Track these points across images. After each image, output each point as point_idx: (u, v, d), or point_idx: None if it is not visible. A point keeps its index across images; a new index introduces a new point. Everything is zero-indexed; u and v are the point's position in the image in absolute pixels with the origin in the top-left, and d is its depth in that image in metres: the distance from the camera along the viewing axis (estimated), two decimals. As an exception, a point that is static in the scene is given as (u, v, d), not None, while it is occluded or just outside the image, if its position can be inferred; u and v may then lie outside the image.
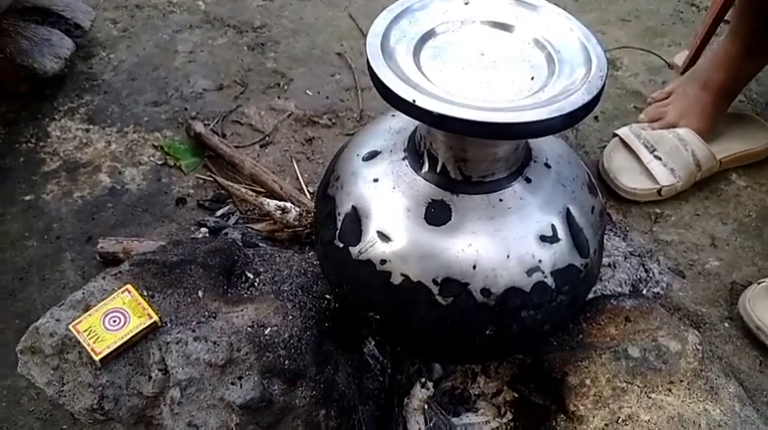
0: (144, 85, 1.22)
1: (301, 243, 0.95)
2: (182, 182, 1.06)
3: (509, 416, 0.76)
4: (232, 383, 0.61)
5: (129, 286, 0.63)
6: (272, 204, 0.94)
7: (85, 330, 0.60)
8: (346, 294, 0.65)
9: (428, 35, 0.60)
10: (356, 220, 0.62)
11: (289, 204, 0.94)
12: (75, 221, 1.00)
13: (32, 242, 0.97)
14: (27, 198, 1.03)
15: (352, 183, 0.64)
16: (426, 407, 0.75)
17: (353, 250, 0.61)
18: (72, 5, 1.29)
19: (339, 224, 0.63)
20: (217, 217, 1.00)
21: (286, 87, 1.24)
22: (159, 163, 1.09)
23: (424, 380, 0.75)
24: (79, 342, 0.61)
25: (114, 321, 0.61)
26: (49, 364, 0.63)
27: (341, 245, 0.62)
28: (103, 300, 0.63)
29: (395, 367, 0.78)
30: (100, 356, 0.59)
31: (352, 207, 0.63)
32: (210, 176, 1.05)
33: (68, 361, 0.62)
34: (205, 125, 1.12)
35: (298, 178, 1.07)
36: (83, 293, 0.65)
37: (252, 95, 1.22)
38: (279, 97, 1.22)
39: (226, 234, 0.94)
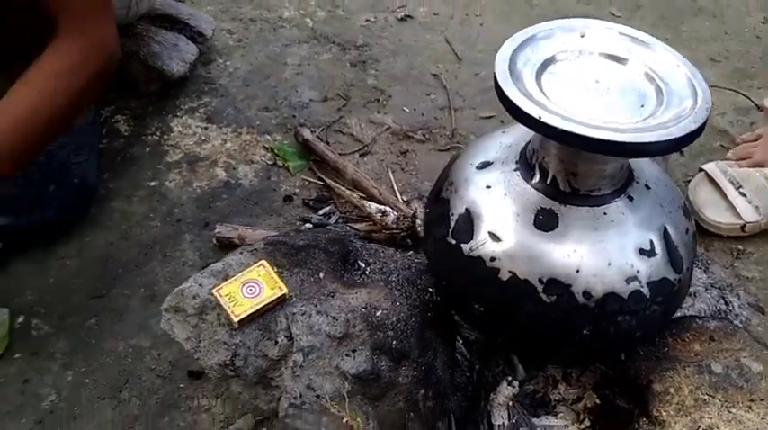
0: (256, 92, 1.34)
1: (396, 245, 1.02)
2: (289, 181, 1.16)
3: (587, 422, 0.81)
4: (347, 355, 0.68)
5: (263, 261, 0.72)
6: (373, 207, 1.02)
7: (226, 295, 0.69)
8: (454, 286, 0.72)
9: (549, 61, 0.67)
10: (469, 221, 0.69)
11: (388, 208, 1.02)
12: (195, 208, 1.11)
13: (156, 223, 1.08)
14: (152, 184, 1.15)
15: (465, 188, 0.72)
16: (510, 403, 0.80)
17: (465, 247, 0.68)
18: (195, 15, 1.42)
19: (452, 223, 0.70)
20: (319, 215, 1.09)
21: (385, 103, 1.33)
22: (269, 163, 1.19)
23: (510, 378, 0.80)
24: (219, 305, 0.70)
25: (251, 290, 0.70)
26: (189, 323, 0.72)
27: (453, 241, 0.70)
28: (241, 271, 0.72)
29: (483, 365, 0.84)
30: (238, 318, 0.68)
31: (466, 209, 0.70)
32: (318, 178, 1.15)
33: (206, 321, 0.71)
34: (311, 132, 1.22)
35: (392, 186, 1.15)
36: (222, 265, 0.75)
37: (353, 108, 1.32)
38: (378, 112, 1.31)
39: (329, 230, 1.03)
